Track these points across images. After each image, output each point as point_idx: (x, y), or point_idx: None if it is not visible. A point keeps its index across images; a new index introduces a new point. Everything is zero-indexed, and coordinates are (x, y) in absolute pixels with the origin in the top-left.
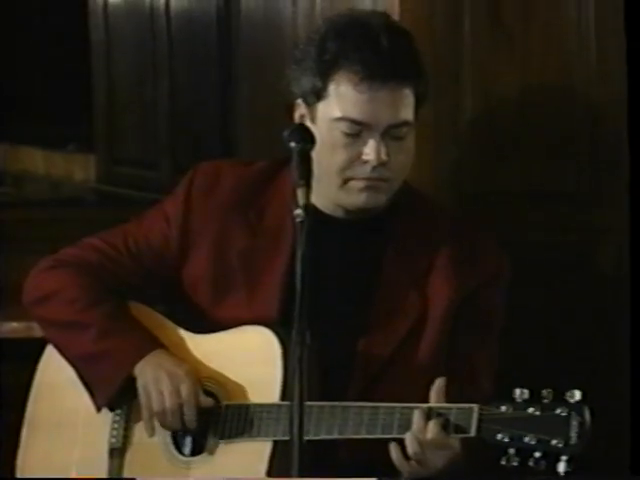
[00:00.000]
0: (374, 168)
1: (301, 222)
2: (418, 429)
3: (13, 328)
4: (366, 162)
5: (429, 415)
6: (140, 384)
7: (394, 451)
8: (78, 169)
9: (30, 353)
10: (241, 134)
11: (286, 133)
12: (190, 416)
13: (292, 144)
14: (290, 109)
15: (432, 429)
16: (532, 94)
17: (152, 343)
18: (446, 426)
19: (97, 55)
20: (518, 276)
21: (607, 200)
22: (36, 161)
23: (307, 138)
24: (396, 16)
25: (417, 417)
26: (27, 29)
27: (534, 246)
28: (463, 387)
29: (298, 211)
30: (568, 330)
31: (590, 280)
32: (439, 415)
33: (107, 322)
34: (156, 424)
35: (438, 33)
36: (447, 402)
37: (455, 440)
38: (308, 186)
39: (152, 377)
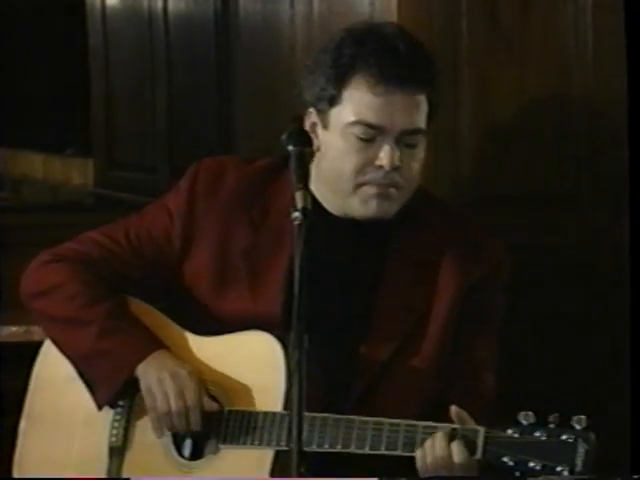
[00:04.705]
0: (387, 173)
1: (299, 225)
2: (440, 448)
3: (12, 332)
4: (380, 167)
5: (452, 436)
6: (144, 386)
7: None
8: (76, 173)
9: (29, 357)
10: (240, 137)
11: (284, 137)
12: (196, 419)
13: (290, 147)
14: (299, 120)
15: (457, 452)
16: (531, 96)
17: (153, 343)
18: (469, 447)
19: (95, 59)
20: (518, 277)
21: (607, 201)
22: (35, 165)
23: (304, 141)
24: (394, 19)
25: (439, 439)
26: (26, 34)
27: (534, 247)
28: (466, 383)
29: (296, 214)
30: (568, 331)
31: (590, 281)
32: (459, 436)
33: (108, 320)
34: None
35: (436, 36)
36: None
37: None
38: (306, 189)
39: (155, 378)
